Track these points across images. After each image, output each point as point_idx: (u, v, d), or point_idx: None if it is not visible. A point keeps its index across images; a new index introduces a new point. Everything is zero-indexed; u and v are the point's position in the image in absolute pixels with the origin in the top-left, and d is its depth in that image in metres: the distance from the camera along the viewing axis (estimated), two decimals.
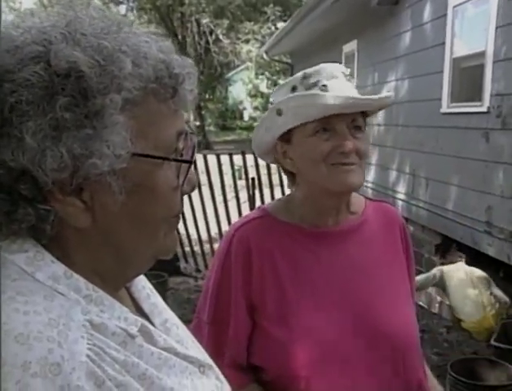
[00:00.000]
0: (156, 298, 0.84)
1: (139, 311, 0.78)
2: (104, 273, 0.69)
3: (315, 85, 1.21)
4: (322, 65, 1.25)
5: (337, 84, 1.21)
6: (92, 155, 0.60)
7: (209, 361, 0.82)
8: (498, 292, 4.41)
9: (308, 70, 1.25)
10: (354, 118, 1.20)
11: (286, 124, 1.22)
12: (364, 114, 1.25)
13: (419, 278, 4.59)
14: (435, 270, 4.69)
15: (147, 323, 0.71)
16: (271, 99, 1.31)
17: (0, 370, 0.53)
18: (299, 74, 1.25)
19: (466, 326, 4.41)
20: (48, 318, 0.58)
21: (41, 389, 0.53)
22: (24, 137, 0.58)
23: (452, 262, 4.74)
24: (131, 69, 0.62)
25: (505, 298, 4.36)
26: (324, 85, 1.20)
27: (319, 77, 1.21)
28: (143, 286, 0.83)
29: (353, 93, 1.21)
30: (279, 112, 1.21)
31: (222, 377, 0.83)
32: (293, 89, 1.24)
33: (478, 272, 4.47)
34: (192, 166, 0.72)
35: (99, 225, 0.66)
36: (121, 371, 0.62)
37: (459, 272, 4.53)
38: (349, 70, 1.28)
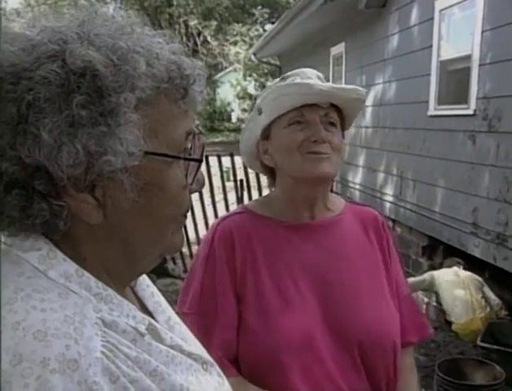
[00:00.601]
0: (159, 297, 0.85)
1: (144, 309, 0.79)
2: (113, 269, 0.70)
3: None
4: (300, 69, 1.35)
5: (311, 82, 1.29)
6: (106, 152, 0.62)
7: (210, 358, 0.83)
8: (491, 295, 4.46)
9: (287, 73, 1.35)
10: (327, 113, 1.28)
11: (265, 119, 1.30)
12: (341, 113, 1.32)
13: (409, 281, 4.61)
14: (426, 275, 4.73)
15: (153, 321, 0.72)
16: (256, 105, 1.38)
17: (4, 364, 0.54)
18: (278, 79, 1.36)
19: (455, 327, 4.45)
20: (64, 315, 0.59)
21: (61, 385, 0.54)
22: (40, 133, 0.59)
23: (449, 266, 4.76)
24: (145, 69, 0.64)
25: (498, 301, 4.40)
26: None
27: (294, 77, 1.30)
28: (147, 285, 0.84)
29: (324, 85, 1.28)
30: (259, 111, 1.31)
31: (222, 374, 0.84)
32: None
33: (469, 274, 4.52)
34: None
35: (109, 221, 0.67)
36: (134, 367, 0.63)
37: (449, 275, 4.57)
38: (322, 76, 1.36)
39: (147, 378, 0.64)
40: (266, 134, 1.32)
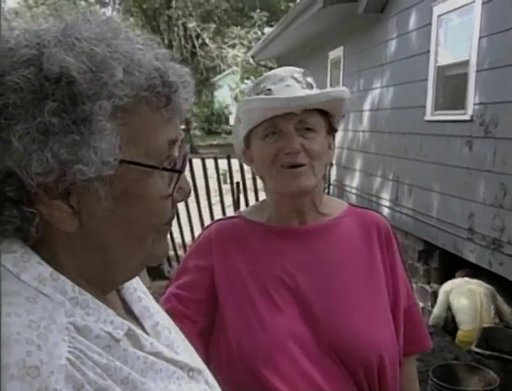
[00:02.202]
0: (149, 301, 0.83)
1: (130, 314, 0.77)
2: (91, 277, 0.69)
3: (261, 91, 1.24)
4: (273, 71, 1.30)
5: (282, 87, 1.22)
6: (79, 161, 0.60)
7: (200, 365, 0.82)
8: (503, 305, 4.44)
9: (261, 77, 1.30)
10: (301, 119, 1.20)
11: (243, 129, 1.27)
12: (324, 115, 1.24)
13: (433, 314, 4.60)
14: (441, 296, 4.70)
15: (134, 327, 0.70)
16: None
17: None
18: (252, 83, 1.32)
19: (459, 334, 4.44)
20: (29, 320, 0.58)
21: None
22: (10, 140, 0.58)
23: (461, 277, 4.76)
24: (122, 77, 0.62)
25: (509, 311, 4.38)
26: (268, 90, 1.23)
27: (266, 83, 1.25)
28: (134, 288, 0.82)
29: (298, 92, 1.20)
30: (238, 120, 1.28)
31: (212, 381, 0.82)
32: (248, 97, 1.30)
33: (481, 284, 4.50)
34: (187, 175, 0.72)
35: (86, 230, 0.65)
36: (103, 374, 0.61)
37: (460, 284, 4.57)
38: (301, 71, 1.27)
39: (117, 386, 0.62)
40: (247, 143, 1.29)
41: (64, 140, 0.59)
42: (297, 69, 1.28)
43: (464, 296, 4.48)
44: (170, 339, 0.79)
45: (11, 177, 0.60)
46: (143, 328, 0.75)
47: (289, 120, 1.20)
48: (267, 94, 1.22)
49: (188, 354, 0.81)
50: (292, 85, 1.23)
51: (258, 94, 1.24)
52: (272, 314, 1.20)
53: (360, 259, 1.28)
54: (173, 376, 0.72)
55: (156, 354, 0.71)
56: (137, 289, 0.82)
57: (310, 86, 1.24)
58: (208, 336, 1.25)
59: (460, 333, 4.45)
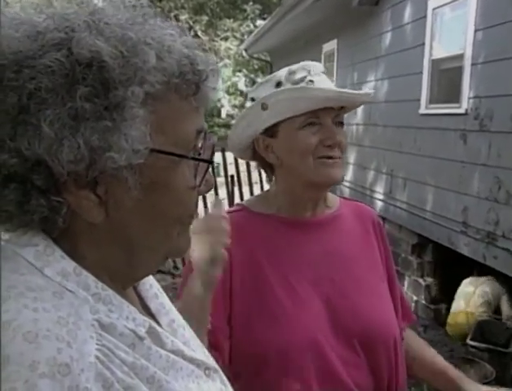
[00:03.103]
0: (164, 298, 0.82)
1: (146, 310, 0.76)
2: (114, 270, 0.67)
3: (301, 80, 1.24)
4: (306, 62, 1.29)
5: (322, 80, 1.26)
6: (110, 149, 0.59)
7: (214, 363, 0.80)
8: (504, 306, 4.43)
9: (293, 66, 1.28)
10: (338, 113, 1.26)
11: (272, 118, 1.24)
12: (343, 111, 1.30)
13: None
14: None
15: (154, 324, 0.69)
16: (250, 95, 1.32)
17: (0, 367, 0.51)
18: (284, 70, 1.28)
19: (449, 318, 4.53)
20: (57, 316, 0.56)
21: (49, 390, 0.51)
22: (41, 125, 0.56)
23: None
24: (155, 62, 0.61)
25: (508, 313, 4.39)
26: (311, 81, 1.24)
27: (304, 73, 1.25)
28: (150, 285, 0.80)
29: (337, 88, 1.27)
30: (264, 107, 1.23)
31: (226, 380, 0.81)
32: (278, 84, 1.26)
33: (490, 279, 4.52)
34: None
35: (112, 220, 0.64)
36: (130, 373, 0.60)
37: (479, 279, 4.61)
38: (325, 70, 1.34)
39: (143, 385, 0.61)
40: (271, 132, 1.27)
41: (95, 126, 0.58)
42: (322, 65, 1.33)
43: (468, 285, 4.54)
44: (186, 336, 0.78)
45: (39, 166, 0.58)
46: (159, 325, 0.73)
47: (329, 113, 1.24)
48: (308, 84, 1.23)
49: (202, 352, 0.80)
50: (328, 80, 1.28)
51: (297, 83, 1.24)
52: (299, 310, 1.21)
53: (363, 248, 1.35)
54: (192, 375, 0.71)
55: (177, 352, 0.70)
56: (153, 286, 0.81)
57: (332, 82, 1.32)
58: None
59: (449, 317, 4.51)
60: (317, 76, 1.25)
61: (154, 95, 0.61)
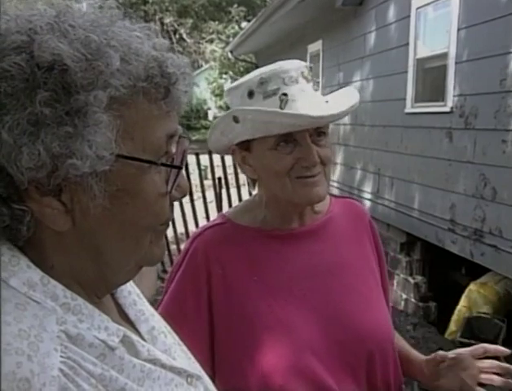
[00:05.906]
0: (144, 304, 0.79)
1: (125, 318, 0.74)
2: (85, 279, 0.65)
3: (274, 93, 1.12)
4: (280, 65, 1.14)
5: (298, 91, 1.12)
6: (72, 155, 0.56)
7: (199, 371, 0.78)
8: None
9: (265, 73, 1.13)
10: (317, 127, 1.13)
11: (244, 134, 1.14)
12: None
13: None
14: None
15: (129, 333, 0.67)
16: (225, 99, 1.24)
17: None
18: (256, 77, 1.14)
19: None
20: (18, 328, 0.54)
21: None
22: None
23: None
24: (119, 65, 0.58)
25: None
26: (284, 95, 1.11)
27: (278, 84, 1.12)
28: (129, 291, 0.78)
29: (316, 100, 1.14)
30: (236, 120, 1.12)
31: (211, 387, 0.79)
32: (250, 94, 1.14)
33: (504, 282, 4.55)
34: (183, 171, 0.68)
35: (79, 228, 0.61)
36: (98, 385, 0.57)
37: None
38: (308, 65, 1.18)
39: None
40: (246, 146, 1.17)
41: (56, 132, 0.55)
42: (303, 63, 1.16)
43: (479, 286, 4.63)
44: (167, 344, 0.76)
45: None
46: (138, 333, 0.72)
47: (306, 131, 1.11)
48: (282, 101, 1.10)
49: (186, 359, 0.78)
50: (305, 87, 1.13)
51: (268, 96, 1.12)
52: (285, 336, 1.13)
53: (355, 251, 1.28)
54: (171, 384, 0.69)
55: (154, 361, 0.68)
56: (131, 292, 0.79)
57: (316, 85, 1.18)
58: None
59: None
60: (293, 86, 1.11)
61: (119, 99, 0.59)
